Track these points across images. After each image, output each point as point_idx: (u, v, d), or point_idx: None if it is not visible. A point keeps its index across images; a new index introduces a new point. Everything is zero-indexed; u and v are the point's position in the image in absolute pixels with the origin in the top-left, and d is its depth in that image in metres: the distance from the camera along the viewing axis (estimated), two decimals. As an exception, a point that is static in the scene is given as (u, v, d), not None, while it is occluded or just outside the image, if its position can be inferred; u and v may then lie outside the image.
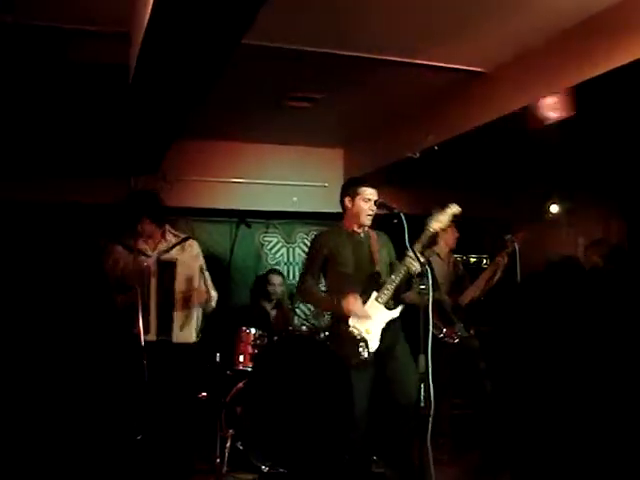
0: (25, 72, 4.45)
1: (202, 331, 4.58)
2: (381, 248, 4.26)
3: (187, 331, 4.43)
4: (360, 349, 3.97)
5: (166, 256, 4.40)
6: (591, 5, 3.82)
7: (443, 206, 4.08)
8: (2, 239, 6.04)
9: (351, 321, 4.03)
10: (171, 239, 4.50)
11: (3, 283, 5.74)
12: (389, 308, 4.10)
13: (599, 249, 5.08)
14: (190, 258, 4.49)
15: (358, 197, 4.20)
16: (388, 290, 4.07)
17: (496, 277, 5.24)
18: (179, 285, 4.38)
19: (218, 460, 4.65)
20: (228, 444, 4.73)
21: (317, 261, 4.22)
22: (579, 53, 3.99)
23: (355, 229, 4.26)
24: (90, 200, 6.38)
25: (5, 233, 6.09)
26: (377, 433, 4.29)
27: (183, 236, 4.60)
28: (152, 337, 4.22)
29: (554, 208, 7.30)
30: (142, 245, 4.39)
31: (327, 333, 4.66)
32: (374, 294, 4.10)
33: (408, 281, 4.14)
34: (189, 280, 4.42)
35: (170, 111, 4.49)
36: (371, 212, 4.17)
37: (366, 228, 4.28)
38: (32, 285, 5.66)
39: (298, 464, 4.29)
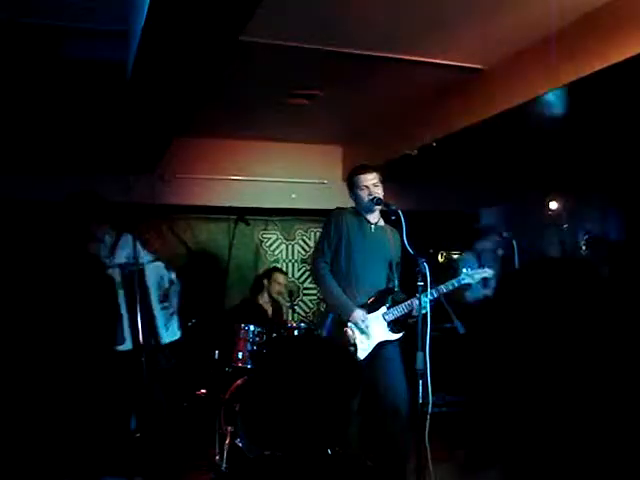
0: (22, 70, 4.44)
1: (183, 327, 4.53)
2: (394, 246, 4.18)
3: (172, 329, 4.40)
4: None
5: (131, 266, 4.25)
6: (588, 2, 3.82)
7: (482, 265, 4.08)
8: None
9: (350, 324, 4.01)
10: (107, 240, 4.34)
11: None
12: (391, 329, 4.07)
13: (597, 246, 5.07)
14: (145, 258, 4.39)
15: (355, 187, 4.18)
16: (398, 313, 4.05)
17: None
18: (152, 286, 4.32)
19: (217, 457, 4.66)
20: (227, 441, 4.74)
21: (335, 237, 4.13)
22: (576, 50, 3.98)
23: (369, 219, 4.19)
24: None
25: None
26: (371, 432, 4.29)
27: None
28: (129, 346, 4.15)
29: (553, 204, 7.31)
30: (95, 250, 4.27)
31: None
32: (383, 309, 4.07)
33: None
34: (161, 278, 4.39)
35: (168, 109, 4.49)
36: (370, 197, 4.08)
37: (380, 221, 4.23)
38: (25, 283, 5.65)
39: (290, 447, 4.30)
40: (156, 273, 4.38)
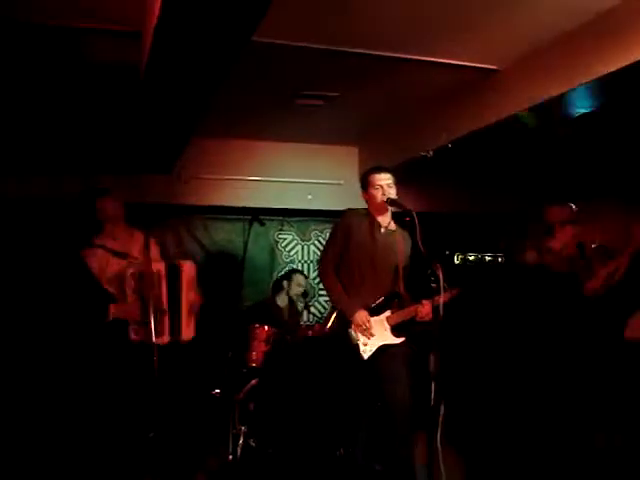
0: (38, 71, 4.48)
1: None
2: (403, 249, 4.17)
3: (190, 327, 4.46)
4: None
5: (171, 260, 4.43)
6: (603, 2, 3.79)
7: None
8: (16, 234, 6.12)
9: (353, 326, 4.01)
10: (139, 237, 4.47)
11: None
12: (394, 333, 4.05)
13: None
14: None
15: (370, 187, 4.14)
16: (402, 317, 4.05)
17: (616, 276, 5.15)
18: (185, 287, 4.41)
19: (230, 457, 4.68)
20: (241, 441, 4.76)
21: (342, 240, 4.13)
22: (591, 50, 3.95)
23: (380, 222, 4.17)
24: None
25: (20, 229, 6.16)
26: (376, 433, 4.29)
27: (142, 231, 4.55)
28: (165, 339, 4.22)
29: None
30: (116, 246, 4.32)
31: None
32: (387, 312, 4.06)
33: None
34: (192, 281, 4.46)
35: (181, 110, 4.50)
36: (384, 197, 4.06)
37: (391, 224, 4.20)
38: (34, 281, 5.73)
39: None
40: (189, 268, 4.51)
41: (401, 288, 4.12)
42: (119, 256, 4.24)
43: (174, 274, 4.40)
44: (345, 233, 4.14)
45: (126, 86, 4.46)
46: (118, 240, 4.37)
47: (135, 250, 4.38)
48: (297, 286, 6.07)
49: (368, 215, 4.21)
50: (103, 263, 4.24)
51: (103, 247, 4.23)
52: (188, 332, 4.47)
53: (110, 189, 4.50)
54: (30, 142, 5.85)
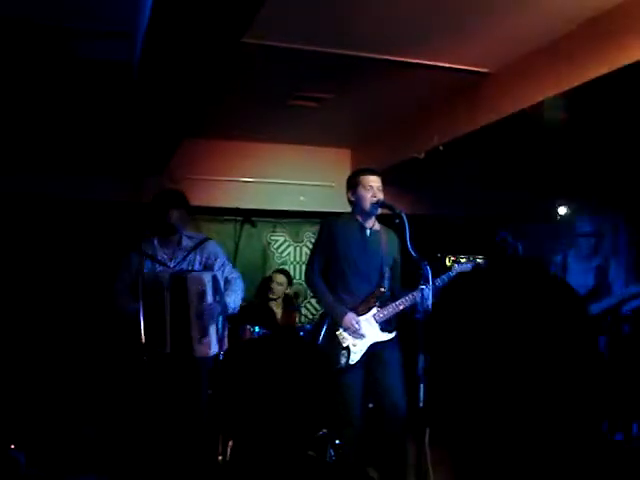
0: (33, 69, 4.47)
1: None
2: (388, 249, 4.19)
3: (205, 344, 4.22)
4: (340, 357, 3.95)
5: (178, 271, 4.28)
6: (596, 5, 3.81)
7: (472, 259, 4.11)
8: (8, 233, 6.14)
9: (342, 328, 4.02)
10: (187, 244, 4.45)
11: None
12: (383, 329, 4.07)
13: None
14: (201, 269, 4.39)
15: (359, 186, 4.11)
16: (388, 312, 4.05)
17: None
18: (192, 299, 4.15)
19: (220, 457, 4.67)
20: (230, 443, 4.75)
21: (326, 247, 4.13)
22: (584, 53, 3.97)
23: (364, 223, 4.15)
24: (98, 197, 6.48)
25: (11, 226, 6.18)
26: (371, 438, 4.29)
27: (199, 238, 4.56)
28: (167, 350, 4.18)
29: (562, 210, 7.27)
30: (161, 255, 4.34)
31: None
32: (374, 310, 4.06)
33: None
34: (200, 294, 4.17)
35: (174, 110, 4.51)
36: (374, 199, 4.05)
37: (375, 225, 4.19)
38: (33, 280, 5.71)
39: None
40: (197, 280, 4.21)
41: (384, 287, 4.12)
42: (155, 261, 4.28)
43: (178, 286, 4.21)
44: (329, 239, 4.13)
45: (120, 86, 4.45)
46: (162, 247, 4.38)
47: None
48: (278, 285, 6.06)
49: (352, 217, 4.20)
50: (141, 267, 4.17)
51: (143, 252, 4.26)
52: (201, 348, 4.22)
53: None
54: (22, 141, 5.84)
